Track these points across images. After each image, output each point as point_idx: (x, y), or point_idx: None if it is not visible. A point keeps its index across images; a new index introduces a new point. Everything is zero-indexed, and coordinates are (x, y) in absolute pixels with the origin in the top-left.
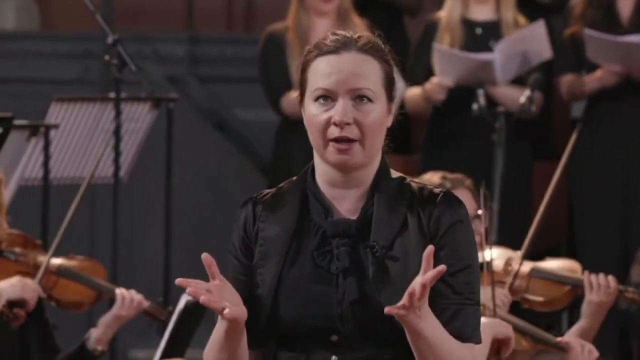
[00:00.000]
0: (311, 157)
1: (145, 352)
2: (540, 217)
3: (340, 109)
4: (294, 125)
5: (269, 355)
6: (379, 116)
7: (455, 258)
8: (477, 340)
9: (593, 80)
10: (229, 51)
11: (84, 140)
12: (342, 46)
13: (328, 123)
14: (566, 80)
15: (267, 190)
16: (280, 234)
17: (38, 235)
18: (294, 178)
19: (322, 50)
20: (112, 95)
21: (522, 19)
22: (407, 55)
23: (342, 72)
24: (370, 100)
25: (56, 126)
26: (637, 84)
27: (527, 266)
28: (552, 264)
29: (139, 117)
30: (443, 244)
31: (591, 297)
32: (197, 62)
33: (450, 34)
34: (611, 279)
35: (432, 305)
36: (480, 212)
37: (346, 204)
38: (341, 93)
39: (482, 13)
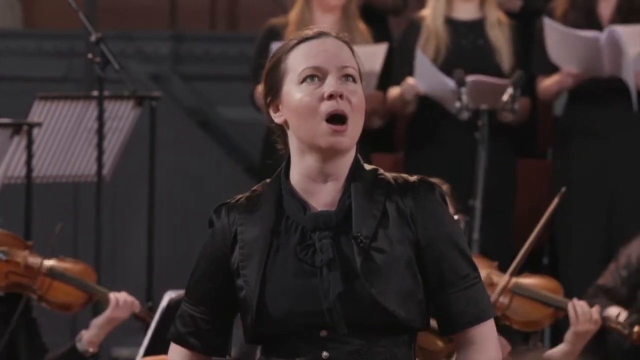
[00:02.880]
0: None
1: (128, 350)
2: (531, 242)
3: (332, 82)
4: None
5: None
6: (362, 97)
7: (451, 244)
8: (495, 312)
9: (552, 84)
10: (212, 49)
11: (67, 138)
12: (321, 34)
13: (320, 99)
14: (538, 81)
15: (240, 195)
16: (259, 235)
17: (21, 234)
18: (268, 180)
19: (301, 38)
20: (95, 93)
21: (504, 18)
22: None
23: (328, 51)
24: (354, 80)
25: (39, 124)
26: (609, 85)
27: (510, 282)
28: (533, 282)
29: (122, 115)
30: (435, 234)
31: (576, 327)
32: (180, 60)
33: (436, 37)
34: (595, 310)
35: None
36: (456, 217)
37: (322, 198)
38: (331, 69)
39: (466, 12)
